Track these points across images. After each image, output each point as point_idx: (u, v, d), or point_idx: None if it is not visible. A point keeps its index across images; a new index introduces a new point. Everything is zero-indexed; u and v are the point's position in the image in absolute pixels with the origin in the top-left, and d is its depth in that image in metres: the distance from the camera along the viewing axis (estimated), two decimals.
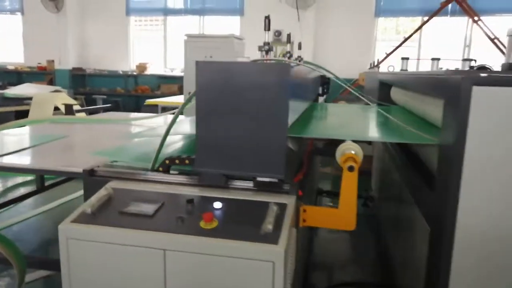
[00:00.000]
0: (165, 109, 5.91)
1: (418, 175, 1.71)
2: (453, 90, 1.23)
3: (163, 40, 9.96)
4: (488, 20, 7.62)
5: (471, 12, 7.74)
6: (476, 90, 1.16)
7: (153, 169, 1.58)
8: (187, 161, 1.57)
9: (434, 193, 1.42)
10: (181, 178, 1.50)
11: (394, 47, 7.97)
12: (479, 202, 1.23)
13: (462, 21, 8.25)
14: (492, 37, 7.65)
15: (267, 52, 1.80)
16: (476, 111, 1.17)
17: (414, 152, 2.06)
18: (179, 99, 6.26)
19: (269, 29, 1.82)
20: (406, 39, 8.01)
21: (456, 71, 1.54)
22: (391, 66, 3.69)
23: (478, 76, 1.17)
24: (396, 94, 2.97)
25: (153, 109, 6.53)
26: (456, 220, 1.26)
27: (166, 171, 1.58)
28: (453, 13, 8.26)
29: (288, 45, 3.28)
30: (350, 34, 8.65)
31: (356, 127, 2.06)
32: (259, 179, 1.43)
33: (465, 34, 8.40)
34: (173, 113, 3.52)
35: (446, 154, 1.33)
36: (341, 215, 1.41)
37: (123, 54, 10.07)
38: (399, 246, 2.15)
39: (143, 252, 1.17)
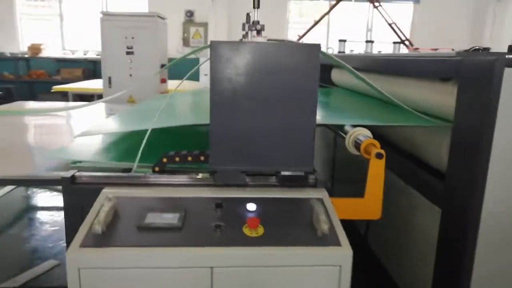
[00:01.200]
0: (81, 96, 5.28)
1: (406, 160, 1.71)
2: (482, 72, 1.23)
3: (59, 18, 8.84)
4: (386, 6, 8.24)
5: None
6: (508, 72, 1.17)
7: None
8: (190, 158, 1.36)
9: (449, 177, 1.43)
10: (190, 179, 1.29)
11: (306, 30, 8.23)
12: (504, 184, 1.26)
13: (365, 6, 8.81)
14: (390, 22, 8.33)
15: (258, 32, 1.64)
16: (506, 93, 1.19)
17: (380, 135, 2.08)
18: (94, 84, 5.63)
19: (258, 7, 1.66)
20: (317, 22, 8.31)
21: (472, 53, 1.54)
22: (330, 48, 3.75)
23: (510, 58, 1.18)
24: (340, 76, 2.99)
25: (56, 97, 5.81)
26: (482, 202, 1.27)
27: (162, 171, 1.35)
28: None
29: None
30: (263, 16, 8.66)
31: (347, 110, 2.01)
32: (283, 173, 1.30)
33: (367, 19, 9.01)
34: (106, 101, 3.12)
35: (466, 137, 1.34)
36: (367, 204, 1.35)
37: (8, 34, 8.71)
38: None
39: (184, 274, 0.97)
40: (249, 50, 1.19)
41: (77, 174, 1.28)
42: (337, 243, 1.01)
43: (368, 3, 8.57)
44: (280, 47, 1.22)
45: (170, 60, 5.42)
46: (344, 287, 1.00)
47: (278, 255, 0.98)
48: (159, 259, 0.97)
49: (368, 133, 1.45)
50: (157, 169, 1.35)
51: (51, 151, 1.66)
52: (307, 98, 1.22)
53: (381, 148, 1.33)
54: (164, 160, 1.34)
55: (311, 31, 8.30)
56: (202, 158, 1.35)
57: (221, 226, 1.05)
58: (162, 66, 4.71)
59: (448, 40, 7.81)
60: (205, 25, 8.06)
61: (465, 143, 1.34)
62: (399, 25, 8.28)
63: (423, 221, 1.63)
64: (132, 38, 4.47)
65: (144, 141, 1.38)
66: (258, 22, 1.66)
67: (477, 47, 1.57)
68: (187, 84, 5.84)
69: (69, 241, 1.24)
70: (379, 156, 1.30)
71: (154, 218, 1.07)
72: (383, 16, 8.29)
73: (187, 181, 1.28)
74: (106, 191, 1.20)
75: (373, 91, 1.63)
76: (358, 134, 1.45)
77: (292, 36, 8.55)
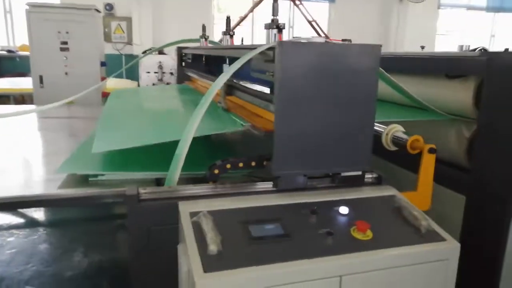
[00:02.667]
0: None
1: None
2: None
3: None
4: (306, 5, 8.61)
5: None
6: None
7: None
8: (241, 164, 1.29)
9: (477, 167, 1.55)
10: (253, 187, 1.23)
11: (233, 25, 8.22)
12: None
13: (286, 4, 9.08)
14: (310, 19, 8.74)
15: (280, 30, 1.59)
16: None
17: None
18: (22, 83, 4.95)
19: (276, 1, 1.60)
20: (242, 19, 8.36)
21: (497, 53, 1.67)
22: None
23: None
24: None
25: None
26: None
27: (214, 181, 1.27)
28: None
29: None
30: (188, 11, 8.42)
31: None
32: (343, 174, 1.30)
33: (288, 16, 9.32)
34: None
35: (495, 131, 1.46)
36: (419, 197, 1.42)
37: None
38: None
39: (313, 286, 0.93)
40: (316, 50, 1.16)
41: (141, 190, 1.13)
42: (441, 238, 1.06)
43: (289, 1, 8.88)
44: (345, 46, 1.22)
45: (107, 56, 5.02)
46: (452, 279, 1.05)
47: (397, 256, 1.00)
48: (293, 273, 0.91)
49: (402, 128, 1.52)
50: (216, 171, 1.26)
51: (63, 166, 1.44)
52: (366, 97, 1.24)
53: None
54: (216, 171, 1.25)
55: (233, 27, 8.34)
56: (253, 163, 1.30)
57: (332, 233, 1.02)
58: (102, 63, 4.34)
59: (361, 35, 8.45)
60: (127, 19, 7.58)
61: (495, 136, 1.48)
62: (318, 22, 8.73)
63: (447, 210, 1.77)
64: (67, 32, 4.04)
65: (185, 150, 1.25)
66: (277, 21, 1.61)
67: (481, 48, 1.74)
68: (126, 83, 5.49)
69: (135, 265, 1.11)
70: (432, 151, 1.38)
71: (260, 230, 1.01)
72: (303, 14, 8.66)
73: (253, 189, 1.22)
74: (185, 207, 1.08)
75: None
76: (395, 131, 1.51)
77: (218, 33, 8.47)
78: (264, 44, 1.31)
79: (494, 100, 1.49)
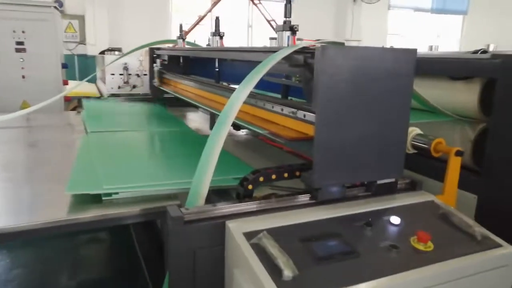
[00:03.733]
0: None
1: None
2: None
3: None
4: (264, 4, 8.59)
5: None
6: None
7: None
8: (273, 176, 1.22)
9: (489, 168, 1.58)
10: (293, 199, 1.16)
11: (192, 25, 8.04)
12: None
13: (245, 3, 9.02)
14: (270, 19, 8.75)
15: (294, 32, 1.52)
16: None
17: None
18: None
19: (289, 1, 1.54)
20: (201, 18, 8.19)
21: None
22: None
23: None
24: None
25: None
26: None
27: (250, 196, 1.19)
28: None
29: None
30: (146, 10, 8.09)
31: None
32: (379, 182, 1.27)
33: (247, 15, 9.25)
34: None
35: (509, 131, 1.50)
36: (445, 200, 1.42)
37: None
38: None
39: None
40: (357, 54, 1.12)
41: (183, 209, 1.02)
42: (497, 244, 1.05)
43: (248, 1, 8.83)
44: (384, 51, 1.18)
45: (65, 57, 4.67)
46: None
47: (462, 267, 0.97)
48: None
49: (420, 131, 1.52)
50: (250, 187, 1.17)
51: (71, 186, 1.29)
52: (403, 102, 1.22)
53: None
54: (250, 187, 1.16)
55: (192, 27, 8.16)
56: (285, 175, 1.23)
57: (396, 246, 0.97)
58: (63, 65, 4.03)
59: (318, 34, 8.59)
60: (79, 17, 7.14)
61: (508, 135, 1.52)
62: (277, 22, 8.75)
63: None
64: (23, 32, 3.71)
65: (213, 164, 1.15)
66: (290, 22, 1.55)
67: (483, 49, 1.78)
68: (84, 87, 5.16)
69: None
70: (459, 153, 1.38)
71: (324, 249, 0.94)
72: (262, 13, 8.64)
73: (293, 203, 1.16)
74: (235, 226, 0.99)
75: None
76: (415, 134, 1.51)
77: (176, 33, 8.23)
78: (289, 47, 1.24)
79: (508, 101, 1.52)
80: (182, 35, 2.83)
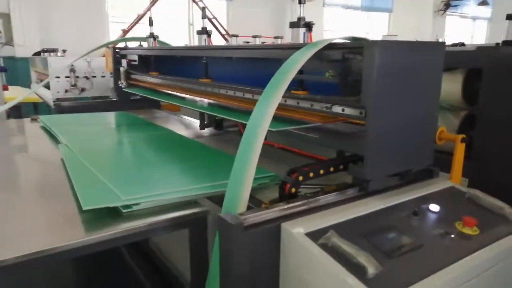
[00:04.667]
0: None
1: None
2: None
3: None
4: (207, 2, 8.47)
5: None
6: None
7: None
8: (311, 174, 1.20)
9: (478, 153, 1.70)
10: (338, 196, 1.16)
11: (130, 24, 7.72)
12: None
13: (185, 1, 8.82)
14: (211, 17, 8.65)
15: (310, 28, 1.52)
16: None
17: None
18: None
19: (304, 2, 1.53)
20: (141, 17, 7.88)
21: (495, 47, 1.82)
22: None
23: None
24: None
25: None
26: None
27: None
28: None
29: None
30: (79, 8, 7.58)
31: None
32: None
33: (188, 13, 9.07)
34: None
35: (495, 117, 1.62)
36: None
37: None
38: None
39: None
40: (402, 49, 1.16)
41: (244, 216, 0.96)
42: None
43: None
44: (419, 44, 1.22)
45: None
46: None
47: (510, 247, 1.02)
48: (454, 280, 0.88)
49: None
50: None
51: (86, 201, 1.16)
52: (435, 91, 1.27)
53: None
54: (293, 190, 1.14)
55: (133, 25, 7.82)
56: (331, 169, 1.22)
57: (449, 233, 1.01)
58: (1, 69, 3.64)
59: (259, 32, 8.67)
60: (4, 16, 6.50)
61: (495, 122, 1.63)
62: (219, 19, 8.70)
63: None
64: None
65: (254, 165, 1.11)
66: (304, 19, 1.54)
67: (461, 42, 1.90)
68: (20, 92, 4.73)
69: None
70: (464, 140, 1.46)
71: (387, 242, 0.94)
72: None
73: (341, 197, 1.15)
74: (292, 228, 0.96)
75: None
76: None
77: (115, 32, 7.85)
78: (321, 41, 1.22)
79: (494, 90, 1.64)
80: (153, 34, 2.69)
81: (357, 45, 1.16)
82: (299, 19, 1.53)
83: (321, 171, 1.19)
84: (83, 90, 4.12)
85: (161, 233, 1.15)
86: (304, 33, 1.52)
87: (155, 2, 7.98)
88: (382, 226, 1.01)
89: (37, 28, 6.76)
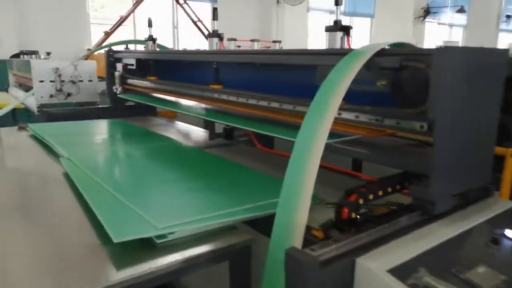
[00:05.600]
0: None
1: None
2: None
3: None
4: (192, 5, 8.30)
5: None
6: None
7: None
8: (371, 196, 1.06)
9: None
10: (401, 222, 1.02)
11: (113, 26, 7.44)
12: None
13: (169, 3, 8.60)
14: (196, 19, 8.47)
15: (348, 33, 1.39)
16: None
17: None
18: None
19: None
20: (124, 19, 7.61)
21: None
22: None
23: None
24: None
25: None
26: None
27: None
28: None
29: None
30: (59, 8, 7.23)
31: None
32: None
33: (172, 16, 8.85)
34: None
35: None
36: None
37: None
38: None
39: None
40: (467, 56, 1.04)
41: (308, 251, 0.81)
42: None
43: (172, 1, 8.42)
44: (484, 51, 1.11)
45: None
46: None
47: None
48: None
49: None
50: (346, 212, 1.00)
51: (116, 234, 0.98)
52: (495, 103, 1.16)
53: None
54: (361, 201, 1.00)
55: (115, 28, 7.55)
56: (389, 190, 1.09)
57: None
58: None
59: (246, 35, 8.56)
60: None
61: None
62: (204, 22, 8.51)
63: None
64: None
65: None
66: (340, 22, 1.41)
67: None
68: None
69: None
70: None
71: (481, 279, 0.81)
72: (188, 14, 8.32)
73: (404, 223, 1.01)
74: (369, 264, 0.82)
75: None
76: None
77: (97, 33, 7.54)
78: (375, 45, 1.10)
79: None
80: (152, 36, 2.51)
81: (423, 52, 1.03)
82: (335, 22, 1.40)
83: (380, 192, 1.05)
84: (69, 95, 3.88)
85: (201, 268, 0.98)
86: (341, 38, 1.39)
87: (138, 4, 7.73)
88: (464, 258, 0.88)
89: (13, 28, 6.41)
